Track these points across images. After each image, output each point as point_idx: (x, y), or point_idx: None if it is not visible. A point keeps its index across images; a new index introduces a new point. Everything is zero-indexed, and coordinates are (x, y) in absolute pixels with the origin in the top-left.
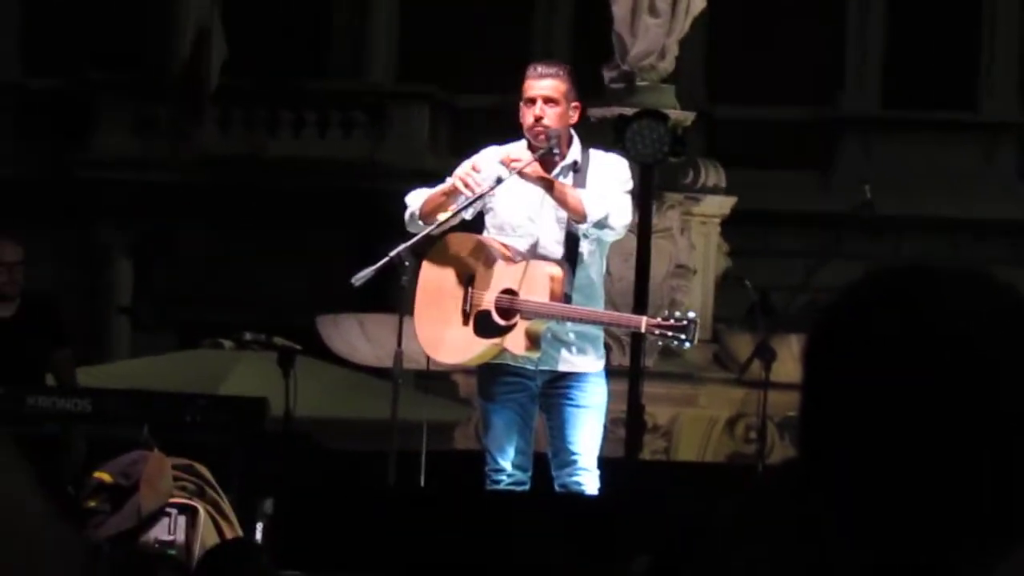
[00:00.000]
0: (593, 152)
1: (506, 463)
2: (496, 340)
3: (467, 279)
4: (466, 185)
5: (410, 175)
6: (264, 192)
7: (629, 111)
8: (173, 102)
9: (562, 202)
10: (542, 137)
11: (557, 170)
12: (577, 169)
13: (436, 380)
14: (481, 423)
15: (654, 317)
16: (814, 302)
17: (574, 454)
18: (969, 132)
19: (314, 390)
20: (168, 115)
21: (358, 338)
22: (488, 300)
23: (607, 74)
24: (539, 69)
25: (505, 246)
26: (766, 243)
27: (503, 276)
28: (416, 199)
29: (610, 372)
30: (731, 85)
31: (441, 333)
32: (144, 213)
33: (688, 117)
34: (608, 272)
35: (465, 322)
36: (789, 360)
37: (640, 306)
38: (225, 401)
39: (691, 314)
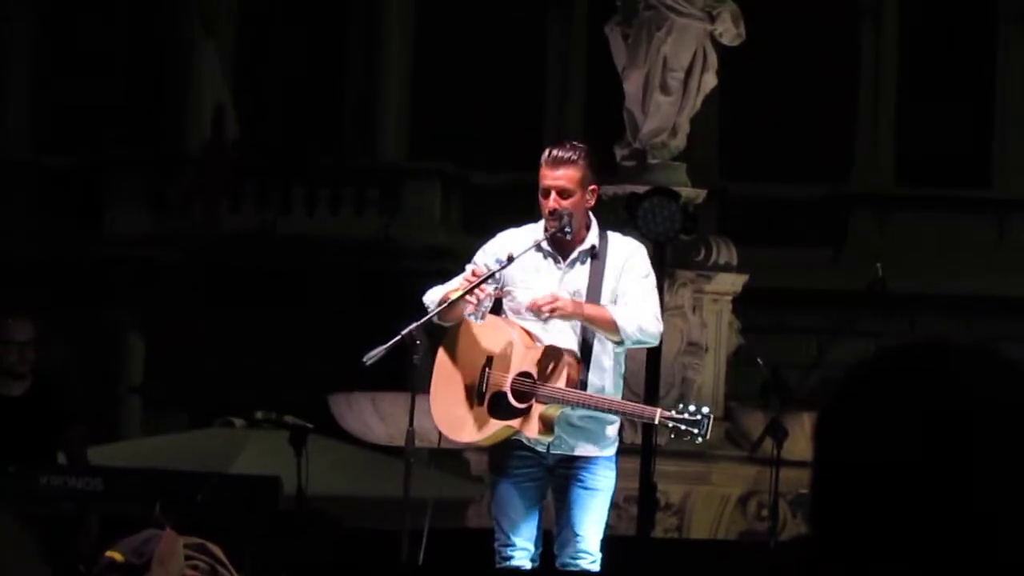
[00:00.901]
0: (611, 236)
1: (516, 538)
2: (510, 422)
3: (484, 360)
4: (471, 292)
5: (423, 252)
6: (277, 269)
7: (641, 189)
8: (188, 179)
9: (597, 327)
10: (557, 229)
11: (575, 255)
12: (595, 255)
13: (449, 458)
14: (492, 497)
15: (669, 409)
16: (826, 380)
17: (578, 535)
18: (982, 209)
19: (326, 468)
20: (183, 192)
21: (371, 416)
22: (504, 382)
23: (619, 152)
24: (553, 154)
25: (524, 330)
26: (779, 320)
27: (521, 359)
28: (432, 298)
29: (622, 450)
30: (743, 162)
31: (455, 412)
32: (156, 291)
33: (700, 194)
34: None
35: (480, 402)
36: (801, 438)
37: (652, 384)
38: (237, 480)
39: (705, 409)
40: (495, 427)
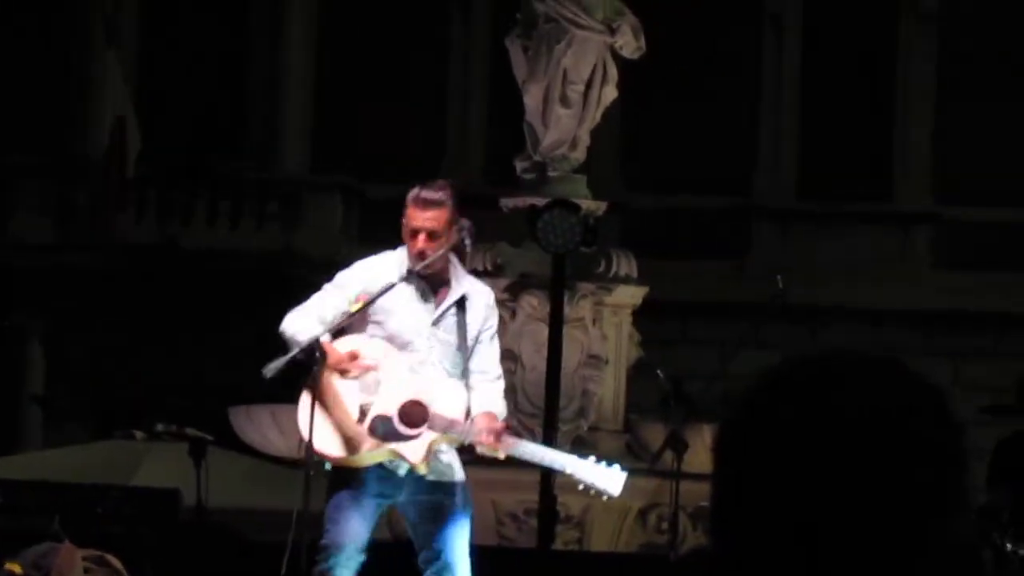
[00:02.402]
0: (470, 284)
1: (347, 547)
2: (394, 445)
3: (372, 381)
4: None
5: (324, 264)
6: (178, 280)
7: (541, 201)
8: (90, 188)
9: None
10: (422, 267)
11: (446, 304)
12: (462, 306)
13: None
14: (331, 501)
15: (585, 458)
16: (727, 392)
17: (448, 559)
18: (883, 222)
19: (226, 480)
20: (85, 201)
21: (270, 428)
22: (391, 406)
23: (519, 164)
24: (422, 196)
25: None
26: (680, 332)
27: (408, 386)
28: (296, 327)
29: (524, 463)
30: (644, 175)
31: (335, 426)
32: (58, 300)
33: (600, 207)
34: (520, 362)
35: (360, 420)
36: (701, 450)
37: (552, 396)
38: (137, 492)
39: (616, 466)
40: (376, 448)
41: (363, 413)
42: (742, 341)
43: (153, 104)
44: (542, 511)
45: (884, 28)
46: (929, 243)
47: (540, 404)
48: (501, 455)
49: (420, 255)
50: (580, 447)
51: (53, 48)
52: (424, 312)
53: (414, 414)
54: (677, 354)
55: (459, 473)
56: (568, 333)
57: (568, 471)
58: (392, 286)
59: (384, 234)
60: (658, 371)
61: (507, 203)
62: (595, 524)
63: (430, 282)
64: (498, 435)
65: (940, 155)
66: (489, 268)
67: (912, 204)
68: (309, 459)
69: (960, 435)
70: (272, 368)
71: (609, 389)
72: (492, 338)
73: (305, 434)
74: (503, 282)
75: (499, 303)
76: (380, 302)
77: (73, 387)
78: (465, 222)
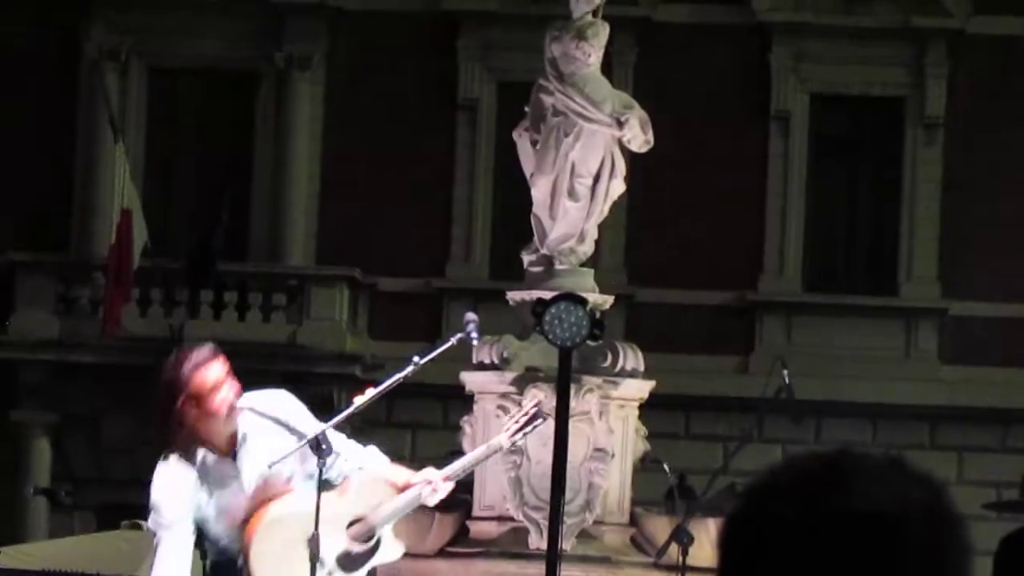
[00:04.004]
0: (245, 416)
1: None
2: (374, 560)
3: (297, 541)
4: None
5: (330, 357)
6: None
7: (548, 294)
8: (94, 283)
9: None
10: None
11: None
12: (245, 440)
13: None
14: None
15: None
16: (732, 486)
17: None
18: (889, 317)
19: None
20: (89, 296)
21: None
22: (341, 539)
23: (526, 257)
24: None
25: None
26: (685, 427)
27: (333, 515)
28: None
29: (529, 555)
30: (650, 269)
31: None
32: (64, 394)
33: (607, 300)
34: (526, 455)
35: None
36: (707, 544)
37: (557, 489)
38: None
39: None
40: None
41: (323, 565)
42: (746, 436)
43: (160, 199)
44: None
45: (890, 129)
46: (935, 338)
47: (545, 497)
48: (444, 493)
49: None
50: (585, 540)
51: (62, 142)
52: (238, 485)
53: (362, 529)
54: (681, 448)
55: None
56: (574, 426)
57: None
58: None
59: (391, 327)
60: (664, 465)
61: (514, 296)
62: None
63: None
64: (434, 487)
65: (946, 251)
66: (495, 361)
67: (918, 299)
68: (315, 550)
69: (962, 533)
70: (276, 463)
71: (615, 483)
72: (306, 418)
73: (317, 526)
74: (510, 375)
75: (505, 396)
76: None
77: (78, 482)
78: (471, 315)
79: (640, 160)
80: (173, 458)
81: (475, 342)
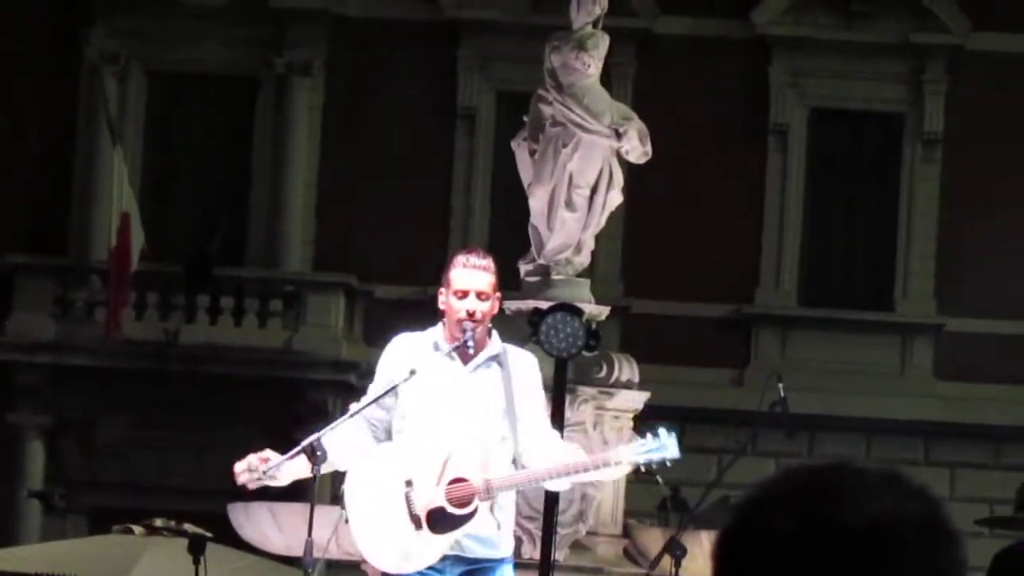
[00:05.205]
0: (510, 348)
1: None
2: (461, 530)
3: (403, 484)
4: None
5: (325, 364)
6: (179, 378)
7: (544, 304)
8: (91, 286)
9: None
10: (469, 331)
11: (480, 359)
12: (501, 363)
13: (347, 569)
14: None
15: (628, 443)
16: (726, 499)
17: None
18: (885, 332)
19: None
20: (87, 299)
21: (269, 527)
22: (437, 496)
23: (523, 267)
24: (471, 261)
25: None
26: (679, 439)
27: (444, 468)
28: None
29: (520, 564)
30: (647, 280)
31: (398, 546)
32: (59, 396)
33: (603, 311)
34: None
35: (418, 526)
36: (699, 556)
37: (551, 500)
38: None
39: (662, 430)
40: (448, 540)
41: (416, 519)
42: (741, 449)
43: (157, 203)
44: None
45: (889, 145)
46: (930, 354)
47: (539, 507)
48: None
49: (471, 316)
50: (578, 551)
51: (59, 146)
52: (453, 379)
53: (461, 492)
54: (675, 460)
55: (500, 551)
56: (569, 437)
57: (624, 462)
58: (413, 373)
59: (387, 335)
60: (657, 477)
61: (510, 306)
62: None
63: (464, 352)
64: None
65: (942, 267)
66: None
67: (914, 315)
68: (308, 557)
69: (958, 547)
70: (273, 466)
71: (608, 494)
72: (534, 399)
73: (312, 531)
74: None
75: None
76: (408, 383)
77: (72, 485)
78: (468, 324)
79: (638, 171)
80: (429, 332)
81: (470, 350)
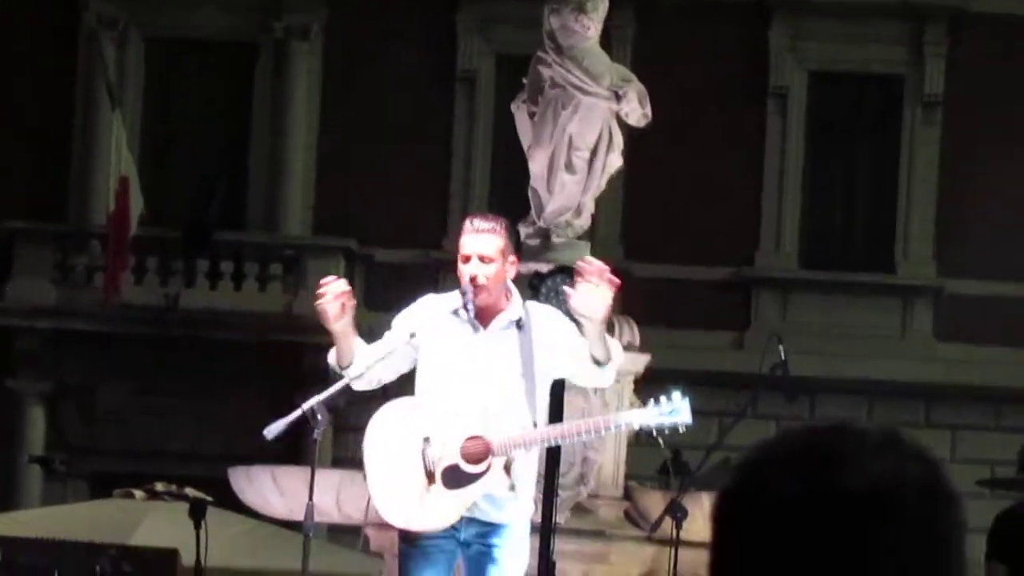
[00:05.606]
0: (531, 305)
1: None
2: (475, 487)
3: (421, 439)
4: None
5: (325, 328)
6: (179, 343)
7: (544, 267)
8: (91, 251)
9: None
10: (468, 295)
11: (497, 322)
12: (521, 326)
13: (347, 533)
14: (400, 568)
15: (642, 406)
16: (727, 461)
17: None
18: (885, 295)
19: (225, 541)
20: (86, 264)
21: (271, 491)
22: (452, 453)
23: (523, 230)
24: (475, 223)
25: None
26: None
27: (461, 426)
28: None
29: None
30: (647, 243)
31: (412, 501)
32: (59, 362)
33: None
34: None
35: (432, 482)
36: (700, 518)
37: (552, 462)
38: (135, 551)
39: (676, 394)
40: (463, 497)
41: (430, 475)
42: (741, 412)
43: (157, 168)
44: None
45: (889, 108)
46: (930, 316)
47: (540, 470)
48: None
49: (472, 280)
50: (579, 514)
51: (58, 110)
52: (466, 344)
53: (477, 448)
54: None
55: (513, 515)
56: (569, 400)
57: (636, 426)
58: (413, 336)
59: (387, 298)
60: (659, 439)
61: None
62: None
63: (481, 316)
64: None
65: (942, 229)
66: None
67: (914, 277)
68: (309, 521)
69: (958, 509)
70: (273, 429)
71: (609, 456)
72: (569, 332)
73: (312, 496)
74: None
75: None
76: (425, 339)
77: (72, 450)
78: (466, 286)
79: (638, 134)
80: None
81: (470, 312)
